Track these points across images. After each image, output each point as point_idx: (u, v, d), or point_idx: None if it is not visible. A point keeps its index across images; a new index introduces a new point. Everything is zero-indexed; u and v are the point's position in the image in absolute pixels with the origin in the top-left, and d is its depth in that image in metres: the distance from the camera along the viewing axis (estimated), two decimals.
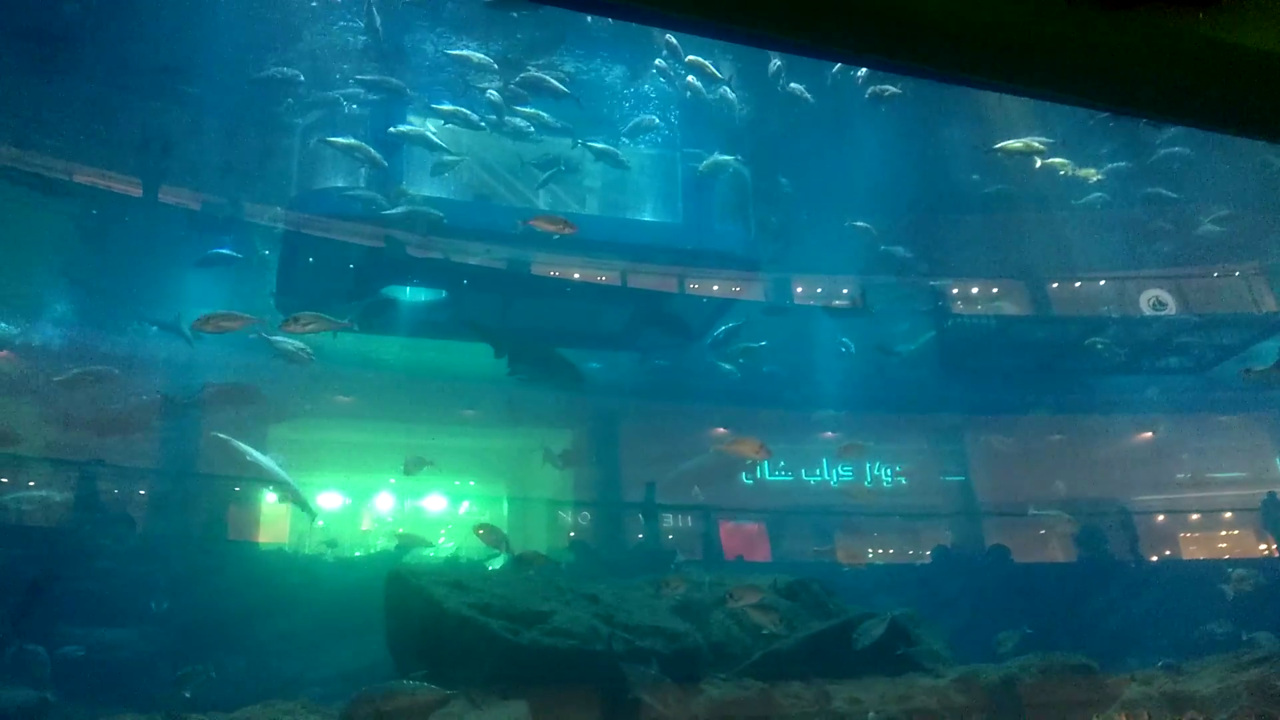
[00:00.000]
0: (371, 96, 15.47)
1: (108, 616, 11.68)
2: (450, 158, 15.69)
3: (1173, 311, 21.39)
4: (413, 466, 14.03)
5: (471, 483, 20.88)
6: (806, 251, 20.45)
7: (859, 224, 18.27)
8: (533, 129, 15.17)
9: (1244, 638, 12.04)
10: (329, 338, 13.16)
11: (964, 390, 21.39)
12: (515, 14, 15.30)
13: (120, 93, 15.28)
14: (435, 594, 9.86)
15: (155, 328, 15.27)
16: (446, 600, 9.71)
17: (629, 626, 9.85)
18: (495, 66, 14.80)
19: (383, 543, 15.06)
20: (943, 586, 15.41)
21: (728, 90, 16.14)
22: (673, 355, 20.45)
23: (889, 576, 16.48)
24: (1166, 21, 2.55)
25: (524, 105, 14.99)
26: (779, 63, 15.72)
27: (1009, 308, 22.75)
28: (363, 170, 15.86)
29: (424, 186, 16.33)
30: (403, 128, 14.98)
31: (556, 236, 13.47)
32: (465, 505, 19.67)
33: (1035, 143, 14.42)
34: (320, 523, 17.41)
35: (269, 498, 16.71)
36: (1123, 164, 17.43)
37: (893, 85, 14.69)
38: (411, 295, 18.13)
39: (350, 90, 15.46)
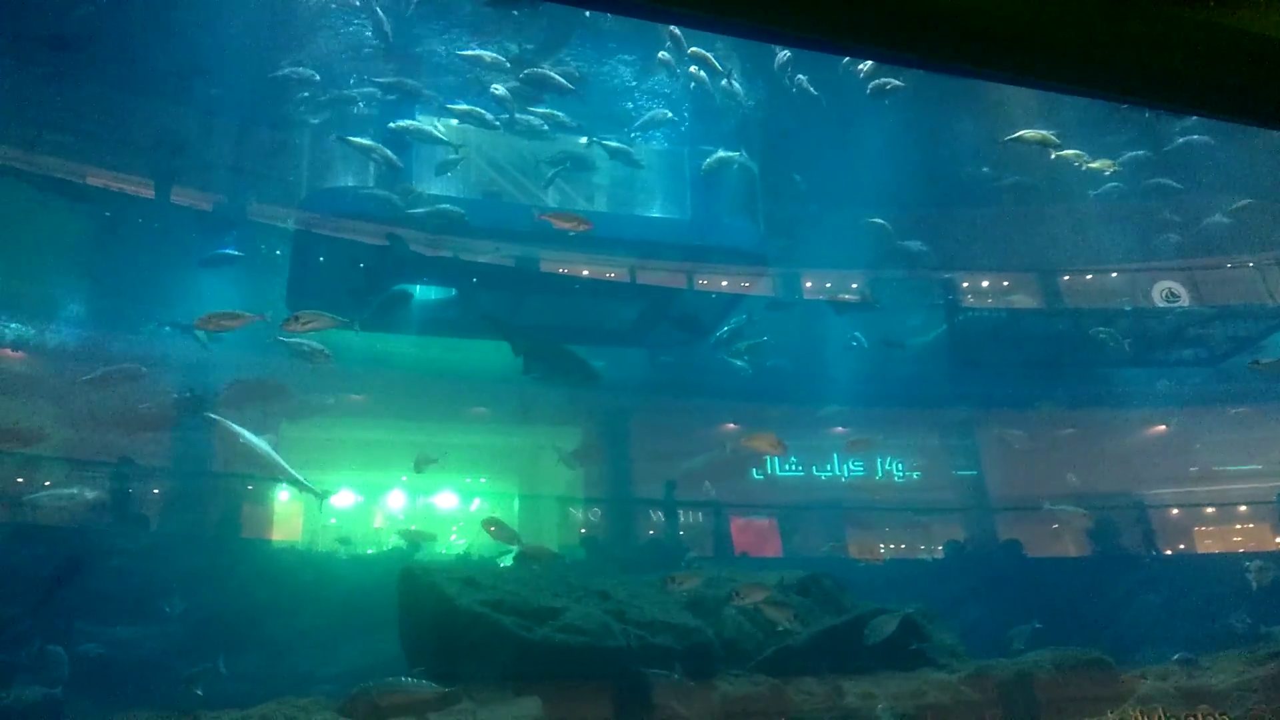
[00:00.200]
0: (389, 97, 15.48)
1: (123, 615, 11.77)
2: (453, 156, 15.71)
3: (1186, 303, 21.21)
4: (422, 464, 14.07)
5: (483, 480, 20.94)
6: (815, 246, 20.38)
7: (876, 220, 18.21)
8: (547, 127, 15.17)
9: (1261, 631, 11.96)
10: (340, 336, 13.20)
11: (975, 384, 21.30)
12: (516, 12, 15.30)
13: (131, 94, 15.34)
14: (447, 591, 9.87)
15: (169, 328, 15.35)
16: (459, 597, 9.72)
17: (641, 623, 9.85)
18: (507, 65, 14.79)
19: (393, 540, 15.10)
20: (955, 582, 15.37)
21: (732, 82, 16.09)
22: (679, 352, 20.44)
23: (901, 572, 16.45)
24: (1174, 9, 2.54)
25: (537, 104, 14.98)
26: (786, 54, 15.66)
27: (1022, 300, 22.62)
28: (372, 169, 15.89)
29: (432, 185, 16.35)
30: (403, 122, 14.99)
31: (572, 233, 13.45)
32: (476, 502, 19.73)
33: (1050, 135, 14.34)
34: (332, 521, 17.54)
35: (281, 495, 16.81)
36: (1141, 153, 17.26)
37: (895, 79, 14.61)
38: (422, 293, 18.17)
39: (366, 90, 15.47)
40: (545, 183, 16.75)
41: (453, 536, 18.44)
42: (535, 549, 11.73)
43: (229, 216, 16.47)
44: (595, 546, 16.87)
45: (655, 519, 19.72)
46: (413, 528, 15.13)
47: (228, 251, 15.66)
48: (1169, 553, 20.02)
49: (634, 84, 17.55)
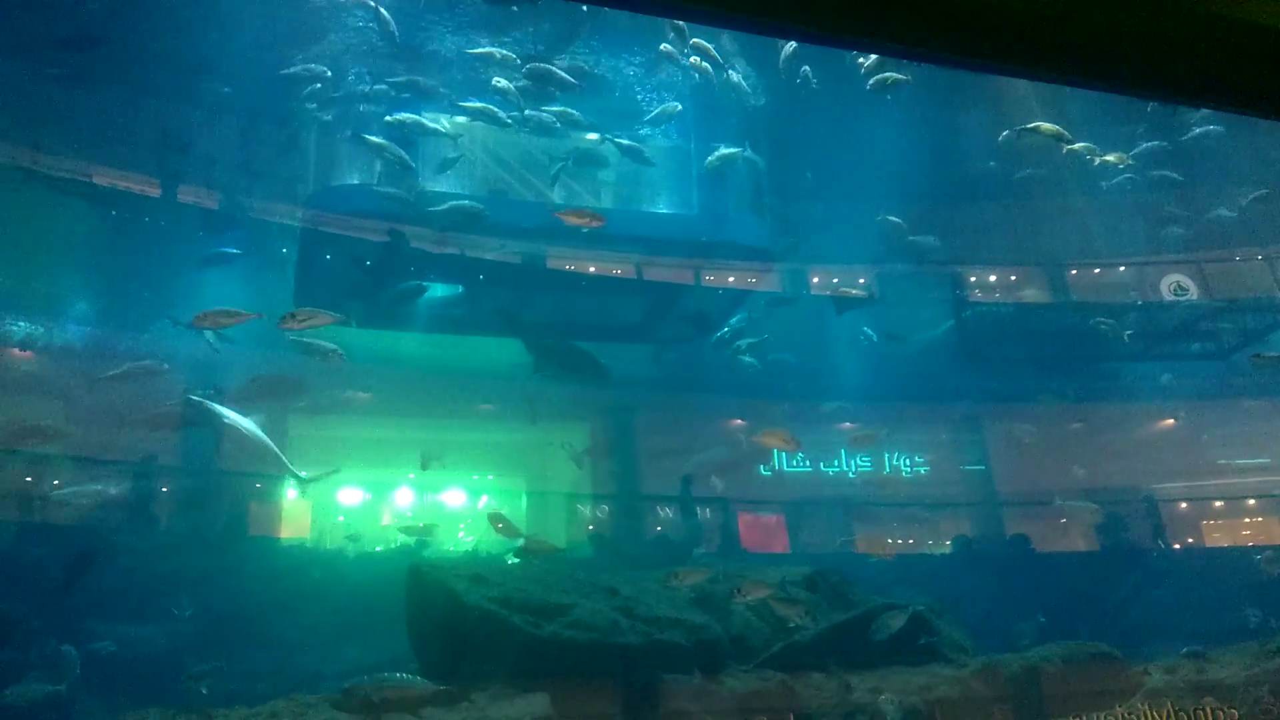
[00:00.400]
0: (404, 95, 15.51)
1: (134, 612, 11.83)
2: (454, 154, 15.72)
3: (1194, 296, 21.13)
4: (427, 462, 14.09)
5: (490, 477, 20.96)
6: (822, 242, 20.35)
7: (891, 218, 18.19)
8: (558, 125, 15.19)
9: (1271, 624, 11.93)
10: (349, 333, 13.23)
11: (983, 379, 21.26)
12: (516, 8, 15.30)
13: (138, 92, 15.38)
14: (456, 588, 9.89)
15: (178, 327, 15.39)
16: (467, 594, 9.74)
17: (649, 619, 9.86)
18: (517, 62, 14.80)
19: (400, 538, 15.13)
20: (963, 577, 15.35)
21: (734, 74, 16.05)
22: (684, 348, 20.43)
23: (909, 567, 16.45)
24: (1181, 1, 2.54)
25: (547, 101, 15.00)
26: (792, 45, 15.62)
27: (1031, 295, 22.56)
28: (379, 166, 15.92)
29: (438, 182, 16.37)
30: (400, 115, 15.02)
31: (586, 230, 13.46)
32: (484, 499, 19.76)
33: (1062, 130, 14.31)
34: (341, 518, 17.57)
35: (289, 494, 16.84)
36: (1154, 143, 17.18)
37: (896, 73, 14.56)
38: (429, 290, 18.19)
39: (378, 88, 15.48)
40: (550, 179, 16.75)
41: (460, 533, 18.48)
42: (536, 543, 11.74)
43: (229, 214, 16.48)
44: (603, 543, 16.90)
45: (663, 515, 19.74)
46: (420, 524, 15.11)
47: (226, 250, 15.68)
48: (1177, 547, 19.97)
49: (640, 79, 17.54)
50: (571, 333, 17.03)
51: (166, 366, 13.08)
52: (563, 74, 14.68)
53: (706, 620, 10.21)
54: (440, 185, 16.34)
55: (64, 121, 15.15)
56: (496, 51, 14.91)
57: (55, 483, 14.28)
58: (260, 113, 16.19)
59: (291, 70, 14.97)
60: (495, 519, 12.40)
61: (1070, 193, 19.30)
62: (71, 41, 14.01)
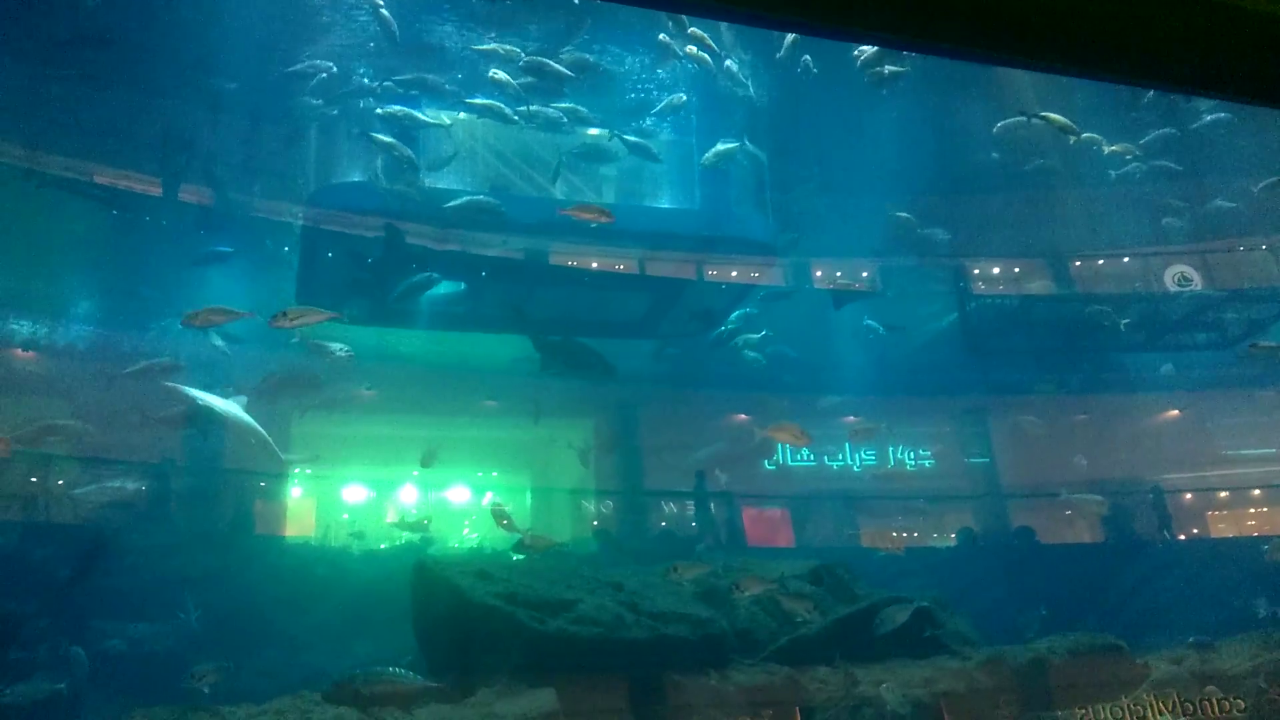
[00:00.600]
0: (412, 92, 15.51)
1: (139, 611, 11.87)
2: (451, 151, 15.72)
3: (1198, 287, 21.09)
4: (429, 459, 14.10)
5: (494, 474, 21.00)
6: (825, 235, 20.33)
7: (901, 214, 18.17)
8: (565, 120, 15.18)
9: (1278, 615, 11.92)
10: (353, 331, 13.25)
11: (987, 371, 21.25)
12: (509, 0, 15.31)
13: (141, 92, 15.38)
14: (461, 584, 9.90)
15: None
16: (472, 590, 9.75)
17: (654, 614, 9.87)
18: (522, 57, 14.79)
19: (398, 532, 15.12)
20: (968, 569, 15.35)
21: (732, 64, 16.01)
22: (685, 344, 20.43)
23: (914, 560, 16.43)
24: None
25: (554, 97, 15.00)
26: (793, 35, 15.57)
27: (1035, 287, 22.52)
28: (380, 163, 15.92)
29: (439, 178, 16.36)
30: (393, 108, 15.00)
31: (594, 225, 13.46)
32: (489, 496, 19.78)
33: (1070, 123, 14.27)
34: (345, 516, 17.58)
35: (294, 491, 16.88)
36: (1167, 130, 17.10)
37: (893, 65, 14.51)
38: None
39: (386, 84, 15.48)
40: (551, 175, 16.74)
41: (465, 530, 18.51)
42: (535, 538, 11.77)
43: (222, 212, 16.45)
44: (608, 538, 16.92)
45: (668, 510, 19.76)
46: (416, 520, 15.04)
47: (220, 249, 15.67)
48: (1182, 537, 19.96)
49: (644, 73, 17.51)
50: (577, 329, 17.03)
51: (184, 364, 13.07)
52: (558, 67, 14.67)
53: (712, 615, 10.21)
54: (442, 181, 16.32)
55: (69, 121, 15.16)
56: (500, 48, 14.90)
57: (60, 482, 14.33)
58: (262, 110, 16.18)
59: (298, 67, 14.96)
60: (497, 513, 12.43)
61: (1073, 184, 19.26)
62: (79, 41, 14.01)
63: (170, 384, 10.85)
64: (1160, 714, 8.82)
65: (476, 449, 19.61)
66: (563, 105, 15.17)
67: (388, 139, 14.71)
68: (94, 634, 11.10)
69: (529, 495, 20.12)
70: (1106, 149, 15.96)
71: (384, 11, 14.29)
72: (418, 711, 8.66)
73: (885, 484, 22.47)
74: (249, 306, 9.85)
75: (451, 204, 15.18)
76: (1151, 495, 19.32)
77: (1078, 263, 22.35)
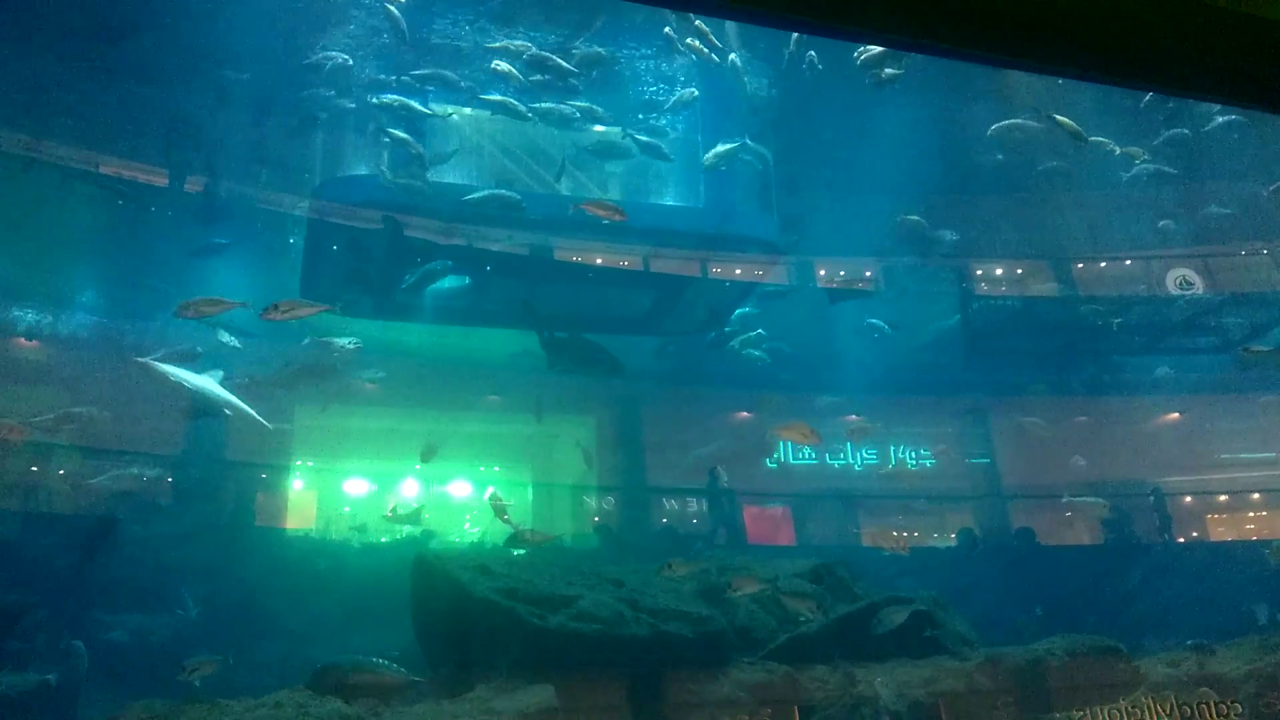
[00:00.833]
0: (428, 88, 15.54)
1: (139, 602, 11.89)
2: (451, 141, 15.75)
3: (1200, 290, 21.10)
4: (429, 453, 14.10)
5: (496, 468, 21.01)
6: (829, 234, 20.33)
7: (911, 217, 18.19)
8: (578, 116, 15.21)
9: (1277, 619, 11.94)
10: (356, 324, 13.24)
11: (988, 372, 21.26)
12: None
13: (150, 84, 15.37)
14: (461, 579, 9.92)
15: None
16: (472, 585, 9.76)
17: (654, 611, 9.88)
18: (531, 50, 14.81)
19: (391, 523, 15.12)
20: (968, 569, 15.37)
21: (735, 57, 16.00)
22: (686, 341, 20.44)
23: (914, 560, 16.44)
24: None
25: (562, 90, 15.01)
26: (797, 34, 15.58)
27: (1037, 288, 22.52)
28: (386, 157, 15.93)
29: (446, 173, 16.37)
30: (387, 98, 14.99)
31: (607, 222, 13.48)
32: (490, 491, 19.79)
33: (1079, 128, 14.28)
34: (346, 509, 17.59)
35: (296, 484, 16.89)
36: (1182, 131, 17.06)
37: (891, 67, 14.53)
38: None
39: (403, 79, 15.50)
40: (556, 173, 16.73)
41: (466, 524, 18.53)
42: (527, 532, 11.81)
43: (216, 204, 16.42)
44: (608, 534, 16.94)
45: (669, 506, 19.79)
46: (409, 511, 14.98)
47: (217, 241, 15.65)
48: (1181, 540, 19.98)
49: (651, 71, 17.50)
50: (581, 324, 17.04)
51: (200, 350, 13.05)
52: (561, 62, 14.69)
53: (711, 612, 10.22)
54: (448, 175, 16.33)
55: (78, 111, 15.17)
56: (511, 44, 14.90)
57: (61, 471, 14.34)
58: (271, 101, 16.16)
59: (313, 59, 14.97)
60: (496, 505, 12.46)
61: (1077, 186, 19.25)
62: (91, 32, 14.02)
63: (143, 360, 10.74)
64: (1158, 717, 8.85)
65: (478, 444, 19.62)
66: (577, 104, 15.18)
67: (401, 134, 14.72)
68: (95, 625, 11.11)
69: (530, 490, 20.14)
70: (1118, 151, 15.96)
71: (393, 9, 14.28)
72: (416, 707, 8.68)
73: (886, 483, 22.48)
74: (255, 298, 9.82)
75: (471, 197, 15.19)
76: (1151, 498, 19.35)
77: (1080, 265, 22.35)
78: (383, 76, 15.57)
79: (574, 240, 17.74)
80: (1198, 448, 22.84)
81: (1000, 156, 18.14)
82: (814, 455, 22.35)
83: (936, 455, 23.01)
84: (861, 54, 14.36)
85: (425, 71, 15.30)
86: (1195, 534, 21.77)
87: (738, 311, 19.46)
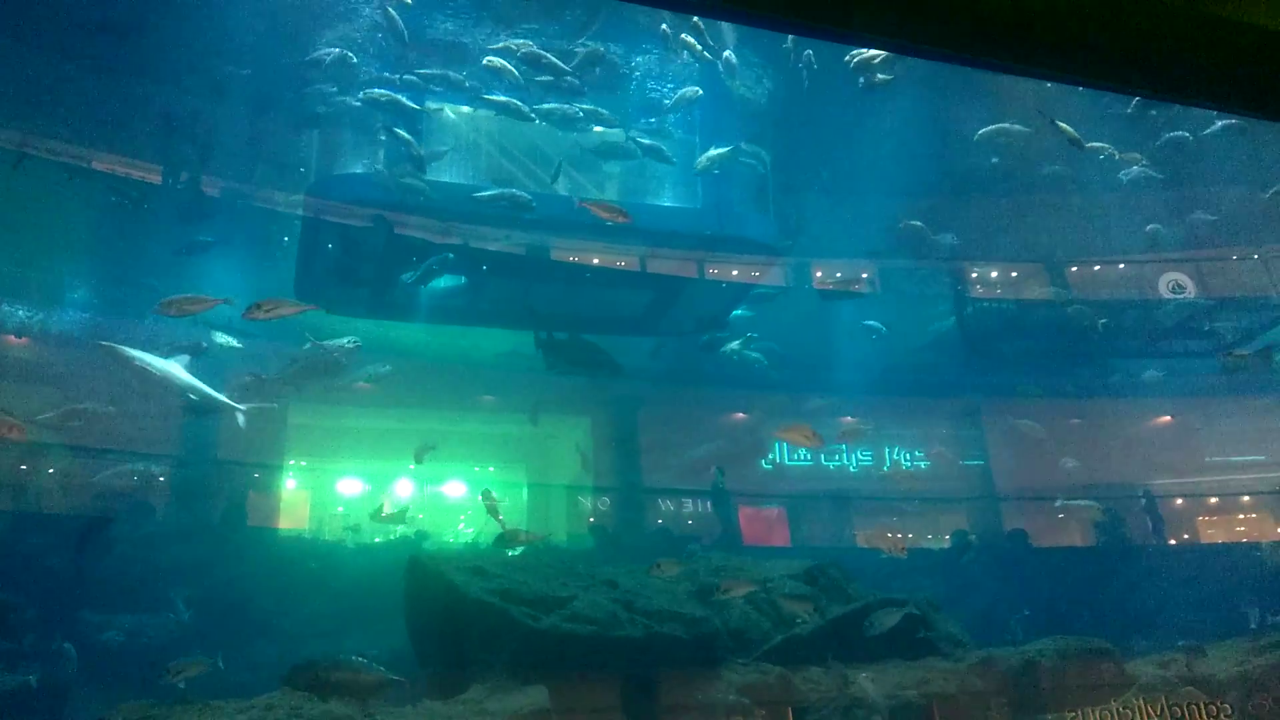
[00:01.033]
0: (435, 88, 15.54)
1: (129, 603, 11.83)
2: (446, 139, 15.74)
3: (1192, 294, 21.21)
4: (421, 453, 14.05)
5: (491, 468, 20.98)
6: (826, 236, 20.36)
7: (914, 223, 18.23)
8: (581, 115, 15.23)
9: (1268, 621, 12.01)
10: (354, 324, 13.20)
11: (983, 374, 21.33)
12: None
13: (145, 79, 15.31)
14: (455, 579, 9.89)
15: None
16: (466, 586, 9.73)
17: (649, 612, 9.87)
18: (528, 48, 14.81)
19: (373, 524, 15.05)
20: (961, 571, 15.41)
21: (731, 56, 16.01)
22: (680, 343, 20.44)
23: (908, 561, 16.48)
24: (1176, 1, 2.54)
25: (564, 89, 15.05)
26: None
27: (1034, 291, 22.60)
28: (382, 155, 15.90)
29: (443, 171, 16.35)
30: (375, 91, 14.96)
31: (611, 224, 13.48)
32: (484, 490, 19.76)
33: (1078, 135, 14.34)
34: (340, 509, 17.53)
35: (289, 484, 16.83)
36: (1183, 134, 17.11)
37: (882, 73, 14.58)
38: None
39: (407, 77, 15.48)
40: (551, 177, 16.71)
41: (460, 525, 18.52)
42: (515, 532, 11.82)
43: (201, 201, 16.34)
44: (603, 535, 16.92)
45: (664, 507, 19.80)
46: (397, 511, 14.92)
47: (202, 239, 15.59)
48: (1173, 542, 20.07)
49: (649, 75, 17.52)
50: (577, 324, 17.03)
51: (206, 345, 12.96)
52: (554, 60, 14.69)
53: (706, 614, 10.21)
54: (445, 174, 16.32)
55: (75, 106, 15.09)
56: (513, 43, 14.89)
57: (51, 470, 14.27)
58: (270, 98, 16.11)
59: (315, 55, 14.94)
60: (488, 502, 12.46)
61: (1072, 190, 19.32)
62: (98, 29, 13.95)
63: (107, 344, 10.62)
64: (1148, 718, 8.88)
65: (473, 444, 19.59)
66: (582, 106, 15.23)
67: (404, 134, 14.72)
68: (85, 625, 11.05)
69: (525, 491, 20.12)
70: (1117, 156, 16.03)
71: (391, 11, 14.26)
72: (408, 708, 8.66)
73: (881, 485, 22.53)
74: (251, 297, 9.77)
75: (482, 194, 15.18)
76: (1143, 500, 19.44)
77: (1074, 268, 22.44)
78: (387, 74, 15.53)
79: (571, 240, 17.72)
80: (1189, 450, 22.96)
81: (995, 160, 18.20)
82: (809, 456, 22.37)
83: (931, 457, 23.07)
84: (854, 57, 14.42)
85: (430, 71, 15.30)
86: (1186, 536, 21.88)
87: (734, 313, 19.48)
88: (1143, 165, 16.43)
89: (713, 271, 19.61)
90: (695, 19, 14.90)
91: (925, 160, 18.45)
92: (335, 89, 15.46)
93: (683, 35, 15.15)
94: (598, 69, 15.54)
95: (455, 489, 19.36)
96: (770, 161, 18.97)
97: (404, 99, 15.14)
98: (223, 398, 11.22)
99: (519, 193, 15.21)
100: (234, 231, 16.32)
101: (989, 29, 2.56)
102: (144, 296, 15.92)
